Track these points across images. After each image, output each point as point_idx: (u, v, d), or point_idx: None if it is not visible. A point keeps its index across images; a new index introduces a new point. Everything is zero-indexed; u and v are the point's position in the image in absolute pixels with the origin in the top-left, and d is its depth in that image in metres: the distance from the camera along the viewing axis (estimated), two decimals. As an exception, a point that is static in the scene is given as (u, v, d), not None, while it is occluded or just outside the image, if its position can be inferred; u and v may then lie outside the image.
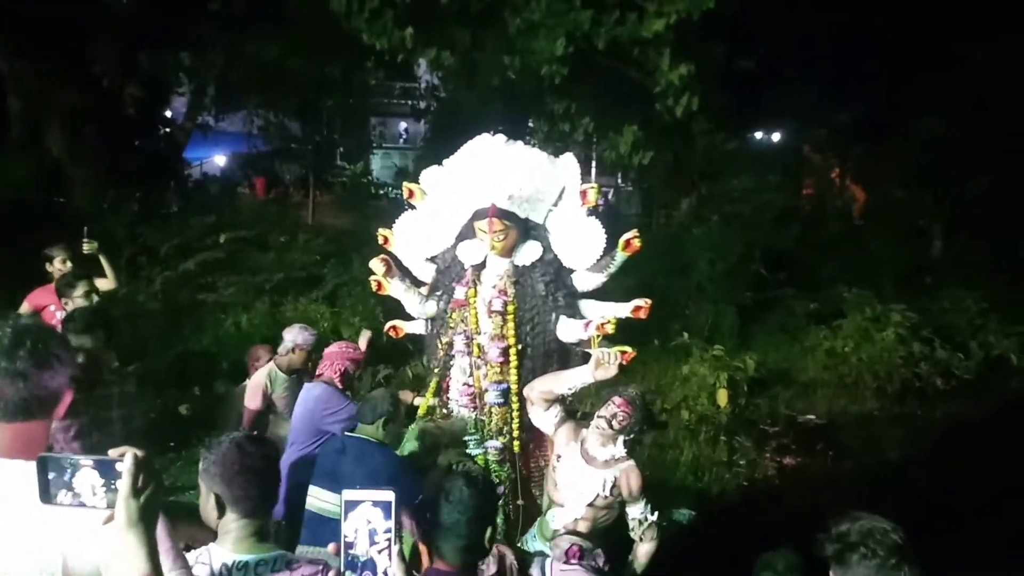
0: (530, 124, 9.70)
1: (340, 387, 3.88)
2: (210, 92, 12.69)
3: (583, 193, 3.17)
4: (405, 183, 3.61)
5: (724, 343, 7.93)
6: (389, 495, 1.60)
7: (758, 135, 18.50)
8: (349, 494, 1.62)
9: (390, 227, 3.64)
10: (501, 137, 3.29)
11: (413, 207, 3.59)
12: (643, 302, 3.17)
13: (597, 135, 8.73)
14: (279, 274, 9.06)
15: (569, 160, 3.30)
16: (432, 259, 3.56)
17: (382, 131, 22.05)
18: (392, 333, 3.69)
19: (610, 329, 3.09)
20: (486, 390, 3.24)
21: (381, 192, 13.65)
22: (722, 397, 6.78)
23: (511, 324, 3.22)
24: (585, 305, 3.28)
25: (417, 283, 3.61)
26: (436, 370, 3.47)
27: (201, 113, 13.24)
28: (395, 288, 3.50)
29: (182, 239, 9.21)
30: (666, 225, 12.86)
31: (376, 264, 3.45)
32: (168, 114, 13.75)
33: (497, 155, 3.26)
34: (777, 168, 12.86)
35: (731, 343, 8.61)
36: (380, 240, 3.63)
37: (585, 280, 3.28)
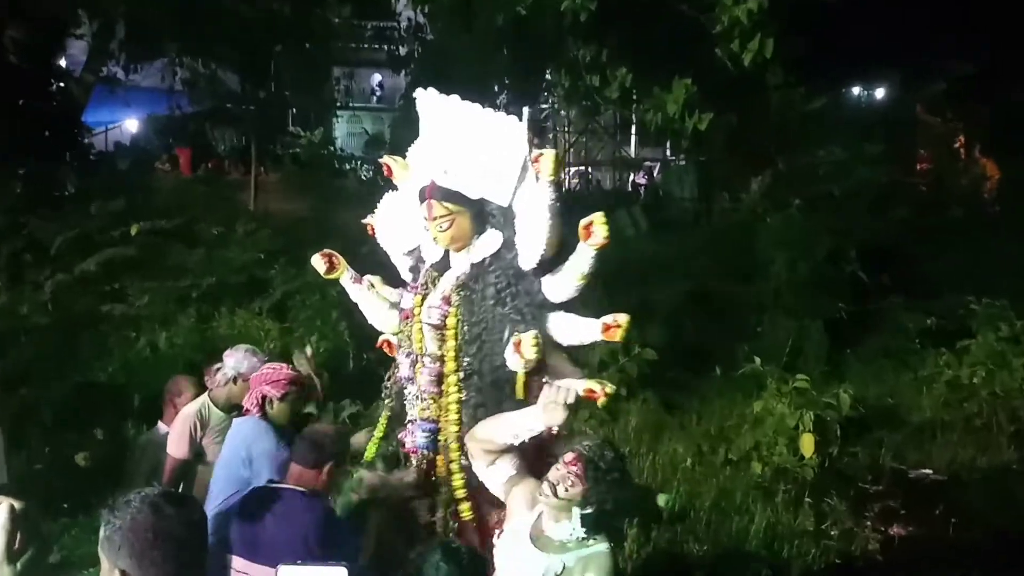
0: (547, 76, 9.60)
1: (264, 421, 3.94)
2: (118, 34, 12.65)
3: (534, 161, 3.14)
4: (385, 156, 3.63)
5: (809, 371, 7.79)
6: (341, 573, 1.58)
7: (853, 91, 18.26)
8: (289, 571, 1.58)
9: (365, 215, 3.70)
10: (433, 92, 3.35)
11: (396, 187, 3.63)
12: (615, 319, 3.13)
13: (638, 92, 8.53)
14: (210, 278, 8.97)
15: (513, 121, 3.30)
16: (408, 254, 3.62)
17: (349, 86, 21.68)
18: (387, 350, 3.74)
19: (618, 336, 3.11)
20: (413, 430, 3.32)
21: (348, 167, 13.71)
22: (807, 444, 6.70)
23: (450, 343, 3.24)
24: (555, 321, 3.28)
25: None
26: (388, 402, 3.54)
27: (106, 62, 13.20)
28: (353, 292, 3.57)
29: (80, 231, 9.14)
30: (730, 212, 12.75)
31: (317, 261, 3.51)
32: (62, 63, 13.63)
33: (432, 116, 3.31)
34: (878, 135, 12.70)
35: (818, 371, 8.49)
36: (369, 230, 3.70)
37: (557, 287, 3.28)
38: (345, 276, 3.61)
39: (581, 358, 3.63)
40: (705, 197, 14.63)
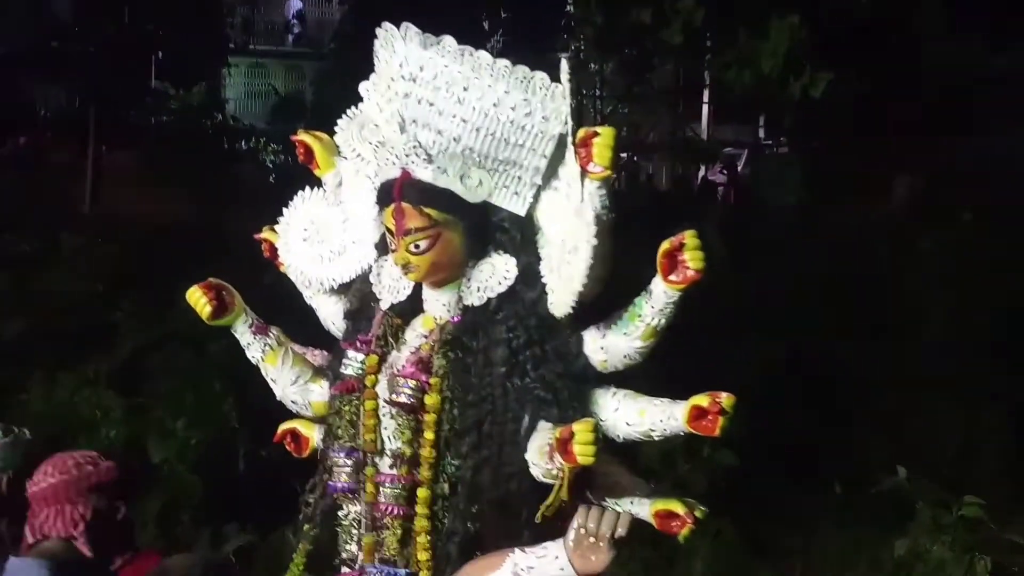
0: (568, 6, 8.35)
1: (90, 554, 3.14)
2: None
3: (581, 144, 2.60)
4: (301, 131, 3.01)
5: (985, 491, 6.13)
6: None
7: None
8: None
9: (274, 222, 3.03)
10: (412, 31, 2.76)
11: (320, 182, 3.03)
12: (713, 400, 2.55)
13: (713, 36, 7.77)
14: (16, 322, 7.42)
15: (545, 82, 2.73)
16: (343, 289, 3.04)
17: (249, 17, 17.10)
18: (293, 449, 3.14)
19: (717, 427, 2.49)
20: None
21: (245, 146, 11.72)
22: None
23: (429, 435, 2.73)
24: (605, 403, 2.75)
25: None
26: (308, 529, 2.98)
27: None
28: (252, 349, 3.03)
29: None
30: (861, 230, 9.97)
31: (196, 297, 2.94)
32: None
33: (403, 68, 2.75)
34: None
35: (1000, 491, 6.69)
36: (264, 250, 3.07)
37: (608, 347, 2.74)
38: (240, 322, 2.96)
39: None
40: (820, 204, 11.65)
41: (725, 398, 2.50)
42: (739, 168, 18.51)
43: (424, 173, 2.65)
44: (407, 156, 2.66)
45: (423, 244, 2.66)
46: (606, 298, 2.66)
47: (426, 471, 2.70)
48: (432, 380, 2.70)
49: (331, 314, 3.02)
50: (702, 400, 2.50)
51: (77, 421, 5.61)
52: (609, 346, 2.68)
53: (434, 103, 2.67)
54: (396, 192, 2.65)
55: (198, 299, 2.94)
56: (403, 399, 2.70)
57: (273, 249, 3.06)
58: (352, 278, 2.95)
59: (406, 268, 2.72)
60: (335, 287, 2.99)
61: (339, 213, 2.98)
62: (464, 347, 2.73)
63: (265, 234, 3.05)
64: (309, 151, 2.99)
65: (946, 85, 9.21)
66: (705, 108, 13.59)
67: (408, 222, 2.64)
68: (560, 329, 2.72)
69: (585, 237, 2.57)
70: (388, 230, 2.73)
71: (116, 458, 3.45)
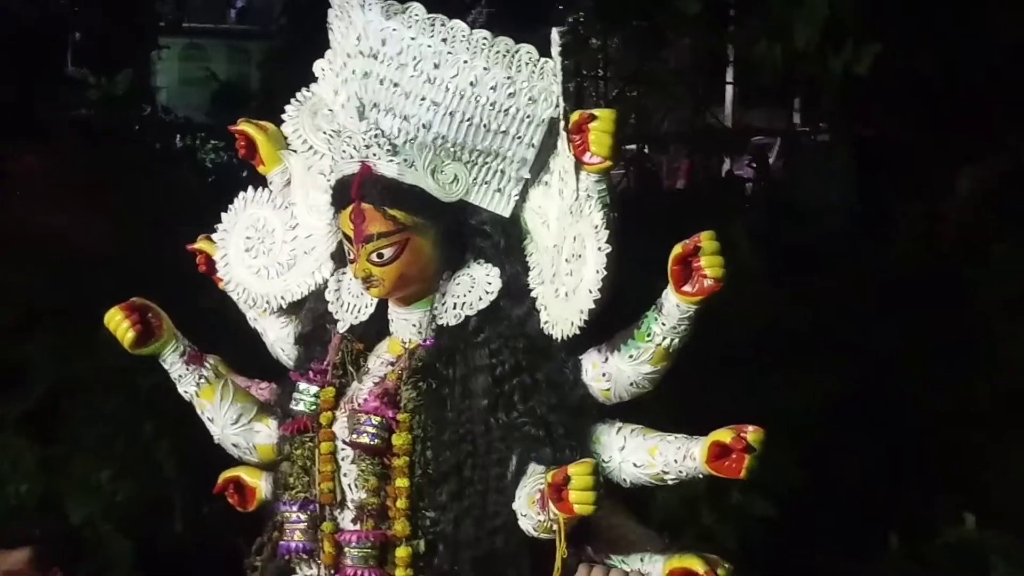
0: None
1: None
2: None
3: (575, 129, 2.52)
4: (242, 121, 2.95)
5: None
6: None
7: None
8: None
9: (211, 230, 2.95)
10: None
11: (265, 181, 2.94)
12: (738, 434, 2.45)
13: (735, 4, 7.64)
14: None
15: (532, 56, 2.68)
16: (294, 309, 2.95)
17: None
18: (234, 501, 3.01)
19: (743, 468, 2.47)
20: None
21: (180, 142, 11.37)
22: None
23: (400, 483, 2.65)
24: (609, 441, 2.69)
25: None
26: None
27: None
28: (184, 382, 2.92)
29: None
30: (920, 236, 9.37)
31: (117, 321, 2.81)
32: None
33: (361, 42, 2.69)
34: None
35: None
36: (199, 264, 2.99)
37: (612, 375, 2.66)
38: (170, 350, 2.84)
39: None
40: (867, 204, 11.32)
41: (751, 433, 2.36)
42: (770, 160, 17.67)
43: (388, 167, 2.54)
44: (367, 147, 2.56)
45: (388, 253, 2.55)
46: (609, 314, 2.49)
47: (402, 526, 2.59)
48: (400, 416, 2.59)
49: (279, 339, 2.92)
50: (724, 435, 2.35)
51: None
52: (613, 372, 2.56)
53: (399, 83, 2.57)
54: (354, 191, 2.53)
55: (119, 323, 2.78)
56: (365, 439, 2.59)
57: (210, 262, 2.95)
58: (304, 295, 2.84)
59: (368, 282, 2.60)
60: (284, 306, 2.89)
61: (288, 217, 2.89)
62: (438, 376, 2.63)
63: (200, 244, 2.94)
64: (251, 144, 2.87)
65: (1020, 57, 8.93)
66: (729, 90, 13.14)
67: (369, 227, 2.54)
68: (553, 352, 2.61)
69: (592, 243, 2.47)
70: (346, 236, 2.61)
71: (28, 522, 3.42)
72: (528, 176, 2.62)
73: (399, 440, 2.58)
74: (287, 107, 2.88)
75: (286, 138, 2.89)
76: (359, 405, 2.64)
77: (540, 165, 2.62)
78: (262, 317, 2.96)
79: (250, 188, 2.92)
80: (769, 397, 6.37)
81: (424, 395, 2.62)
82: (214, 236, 2.95)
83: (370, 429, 2.62)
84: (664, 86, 16.27)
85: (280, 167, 2.88)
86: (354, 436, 2.60)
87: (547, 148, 2.58)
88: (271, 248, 2.90)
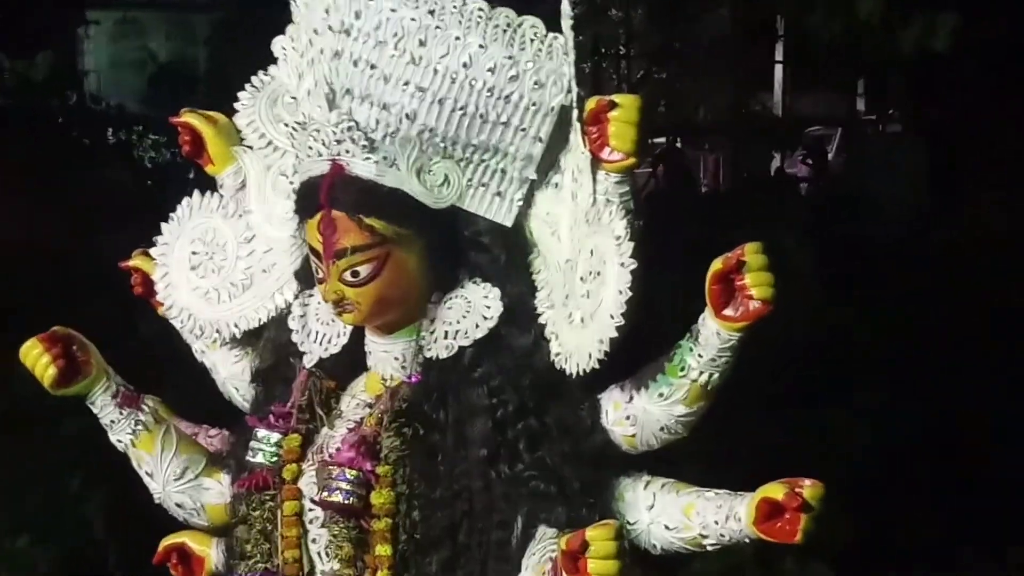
0: None
1: None
2: None
3: (595, 121, 2.35)
4: (185, 111, 2.75)
5: None
6: None
7: None
8: None
9: (149, 243, 2.74)
10: None
11: (214, 184, 2.75)
12: (791, 489, 2.28)
13: None
14: None
15: (539, 31, 2.48)
16: (250, 339, 2.75)
17: None
18: (177, 573, 2.81)
19: (798, 531, 2.24)
20: None
21: (113, 136, 10.46)
22: None
23: (381, 550, 2.51)
24: (636, 498, 2.51)
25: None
26: None
27: None
28: (117, 429, 2.70)
29: None
30: (1005, 235, 8.41)
31: (35, 356, 2.63)
32: None
33: (331, 19, 2.51)
34: None
35: None
36: (134, 285, 2.79)
37: (639, 418, 2.47)
38: (99, 390, 2.63)
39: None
40: (946, 203, 10.38)
41: (808, 488, 2.14)
42: (829, 155, 16.03)
43: (364, 167, 2.31)
44: (339, 143, 2.32)
45: (364, 271, 2.34)
46: (634, 344, 2.25)
47: None
48: (381, 469, 2.37)
49: (232, 376, 2.68)
50: (776, 491, 2.13)
51: None
52: (639, 414, 2.33)
53: (377, 65, 2.33)
54: (323, 196, 2.30)
55: (37, 358, 2.55)
56: (338, 498, 2.35)
57: (147, 282, 2.70)
58: (262, 323, 2.59)
59: (340, 306, 2.37)
60: (238, 336, 2.63)
61: (242, 228, 2.65)
62: (426, 420, 2.40)
63: (135, 261, 2.69)
64: (197, 139, 2.62)
65: None
66: (778, 70, 12.51)
67: (342, 239, 2.32)
68: (566, 391, 2.37)
69: (613, 257, 2.22)
70: (313, 251, 2.37)
71: None
72: (534, 177, 2.37)
73: (379, 499, 2.36)
74: (241, 94, 2.61)
75: (239, 132, 2.61)
76: (330, 456, 2.41)
77: (549, 163, 2.38)
78: (211, 349, 2.68)
79: (196, 193, 2.65)
80: (824, 438, 5.95)
81: (409, 443, 2.39)
82: (153, 251, 2.67)
83: (344, 485, 2.40)
84: (699, 66, 15.10)
85: (233, 167, 2.61)
86: (324, 494, 2.37)
87: (557, 143, 2.33)
88: (222, 265, 2.65)
